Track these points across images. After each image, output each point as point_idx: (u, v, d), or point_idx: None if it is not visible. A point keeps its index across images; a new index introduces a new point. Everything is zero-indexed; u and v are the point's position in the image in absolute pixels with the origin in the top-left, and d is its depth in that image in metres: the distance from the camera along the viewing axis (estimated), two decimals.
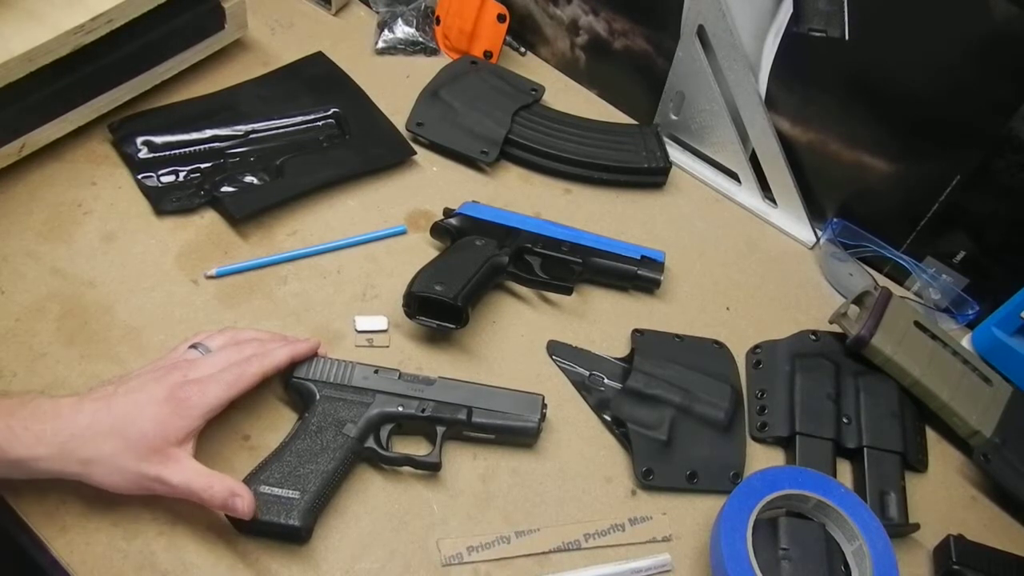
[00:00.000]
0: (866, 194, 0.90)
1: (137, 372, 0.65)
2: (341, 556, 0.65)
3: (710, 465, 0.74)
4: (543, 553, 0.68)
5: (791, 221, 0.96)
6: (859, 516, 0.67)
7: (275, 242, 0.83)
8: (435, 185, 0.91)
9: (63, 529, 0.62)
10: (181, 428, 0.61)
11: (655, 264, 0.86)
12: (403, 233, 0.86)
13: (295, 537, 0.64)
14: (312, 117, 0.92)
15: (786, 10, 0.84)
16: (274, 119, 0.90)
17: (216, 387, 0.63)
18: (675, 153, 1.00)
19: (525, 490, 0.71)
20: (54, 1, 0.78)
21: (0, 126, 0.77)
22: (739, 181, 0.98)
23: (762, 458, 0.77)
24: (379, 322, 0.79)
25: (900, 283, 0.93)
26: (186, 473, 0.60)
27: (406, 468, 0.70)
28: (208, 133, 0.87)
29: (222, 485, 0.60)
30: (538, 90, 1.00)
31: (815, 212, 0.95)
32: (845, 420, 0.78)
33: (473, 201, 0.88)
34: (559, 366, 0.79)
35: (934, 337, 0.82)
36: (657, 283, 0.86)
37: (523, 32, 1.07)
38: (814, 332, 0.85)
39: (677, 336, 0.83)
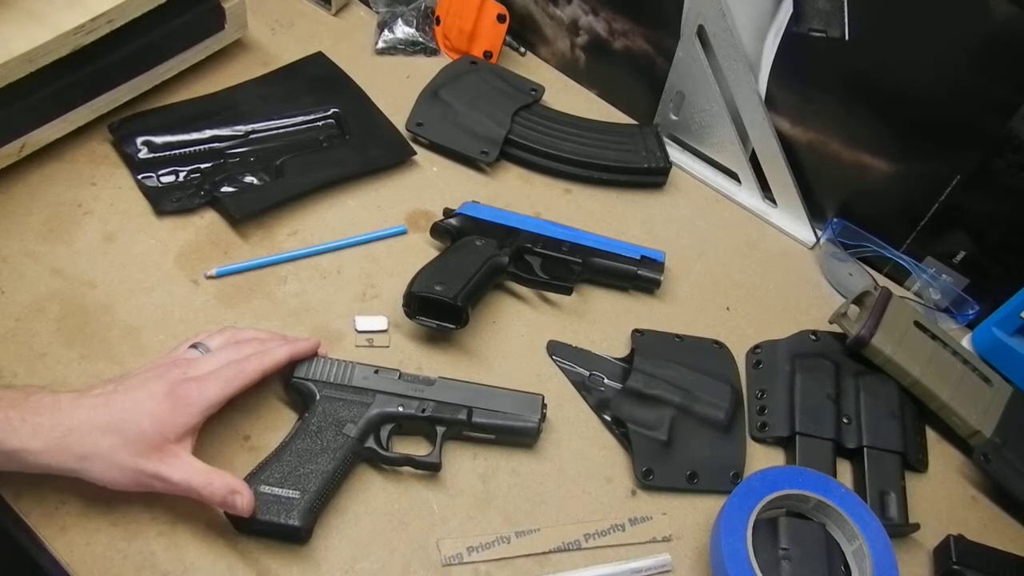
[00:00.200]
0: (866, 194, 0.90)
1: (137, 371, 0.65)
2: (341, 556, 0.65)
3: (710, 465, 0.74)
4: (543, 553, 0.68)
5: (791, 221, 0.96)
6: (859, 516, 0.67)
7: (275, 242, 0.83)
8: (435, 185, 0.91)
9: (63, 529, 0.62)
10: (180, 425, 0.61)
11: (655, 264, 0.86)
12: (403, 233, 0.86)
13: (295, 537, 0.64)
14: (312, 117, 0.92)
15: (786, 10, 0.84)
16: (274, 119, 0.90)
17: (215, 384, 0.63)
18: (675, 153, 1.00)
19: (525, 490, 0.71)
20: (54, 1, 0.78)
21: (0, 126, 0.77)
22: (739, 181, 0.98)
23: (762, 458, 0.77)
24: (379, 322, 0.79)
25: (900, 283, 0.93)
26: (185, 470, 0.60)
27: (406, 468, 0.70)
28: (208, 133, 0.87)
29: (221, 482, 0.60)
30: (538, 90, 1.00)
31: (815, 212, 0.95)
32: (845, 420, 0.78)
33: (473, 201, 0.88)
34: (559, 366, 0.79)
35: (934, 337, 0.82)
36: (657, 283, 0.86)
37: (523, 32, 1.07)
38: (814, 332, 0.85)
39: (677, 336, 0.83)
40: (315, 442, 0.67)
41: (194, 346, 0.68)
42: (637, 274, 0.85)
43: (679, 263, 0.90)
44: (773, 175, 0.95)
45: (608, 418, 0.76)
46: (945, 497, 0.78)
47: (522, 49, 1.09)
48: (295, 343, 0.70)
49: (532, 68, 1.07)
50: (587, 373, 0.79)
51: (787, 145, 0.92)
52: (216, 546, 0.64)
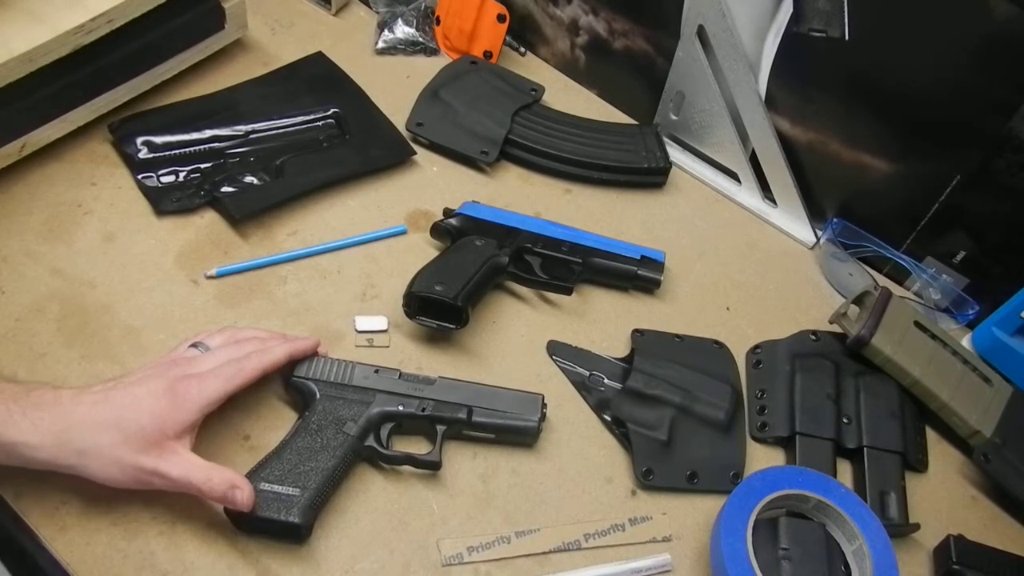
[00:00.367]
0: (866, 194, 0.90)
1: (137, 369, 0.65)
2: (341, 556, 0.65)
3: (710, 465, 0.74)
4: (543, 553, 0.68)
5: (791, 221, 0.96)
6: (859, 516, 0.67)
7: (275, 242, 0.83)
8: (435, 185, 0.91)
9: (63, 529, 0.62)
10: (179, 422, 0.61)
11: (655, 264, 0.86)
12: (403, 233, 0.86)
13: (295, 534, 0.64)
14: (312, 117, 0.92)
15: (786, 10, 0.84)
16: (274, 119, 0.90)
17: (215, 382, 0.63)
18: (675, 153, 1.00)
19: (525, 490, 0.71)
20: (54, 1, 0.78)
21: (0, 126, 0.77)
22: (739, 181, 0.98)
23: (762, 458, 0.77)
24: (379, 322, 0.79)
25: (900, 283, 0.93)
26: (185, 466, 0.60)
27: (406, 468, 0.70)
28: (208, 133, 0.87)
29: (221, 477, 0.60)
30: (538, 90, 1.00)
31: (815, 212, 0.95)
32: (845, 420, 0.78)
33: (473, 201, 0.88)
34: (559, 366, 0.79)
35: (934, 337, 0.82)
36: (657, 283, 0.86)
37: (523, 32, 1.08)
38: (814, 332, 0.85)
39: (677, 336, 0.83)
40: (315, 440, 0.67)
41: (194, 345, 0.68)
42: (637, 274, 0.85)
43: (679, 263, 0.90)
44: (773, 175, 0.95)
45: (608, 418, 0.76)
46: (945, 497, 0.78)
47: (522, 49, 1.09)
48: (295, 342, 0.70)
49: (532, 68, 1.07)
50: (587, 373, 0.79)
51: (787, 145, 0.92)
52: (216, 546, 0.63)
